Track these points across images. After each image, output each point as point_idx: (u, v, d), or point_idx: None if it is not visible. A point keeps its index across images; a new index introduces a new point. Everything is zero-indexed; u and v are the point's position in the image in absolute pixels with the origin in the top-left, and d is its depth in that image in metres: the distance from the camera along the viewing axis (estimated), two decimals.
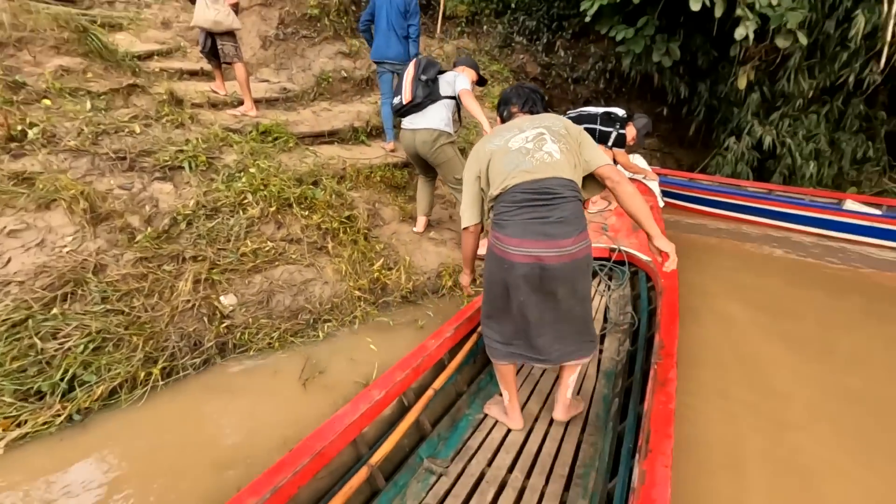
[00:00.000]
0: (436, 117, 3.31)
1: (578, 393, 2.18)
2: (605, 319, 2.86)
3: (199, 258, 2.72)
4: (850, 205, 4.86)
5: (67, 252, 2.47)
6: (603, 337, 2.63)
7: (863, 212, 4.71)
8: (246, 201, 3.10)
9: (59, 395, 2.08)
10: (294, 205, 3.25)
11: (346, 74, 5.93)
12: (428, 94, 3.28)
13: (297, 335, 2.71)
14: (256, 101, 4.85)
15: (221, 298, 2.65)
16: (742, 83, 5.66)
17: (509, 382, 1.92)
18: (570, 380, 1.89)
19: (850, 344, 2.96)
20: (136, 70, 4.30)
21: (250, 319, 2.64)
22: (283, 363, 2.53)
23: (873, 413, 2.32)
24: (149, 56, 5.01)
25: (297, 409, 2.21)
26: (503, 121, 1.99)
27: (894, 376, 2.61)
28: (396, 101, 3.39)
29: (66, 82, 3.55)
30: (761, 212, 5.29)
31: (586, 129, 3.62)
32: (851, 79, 5.47)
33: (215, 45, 4.21)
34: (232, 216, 3.03)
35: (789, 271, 4.14)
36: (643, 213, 1.72)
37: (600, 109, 4.11)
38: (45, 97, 3.36)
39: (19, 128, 2.90)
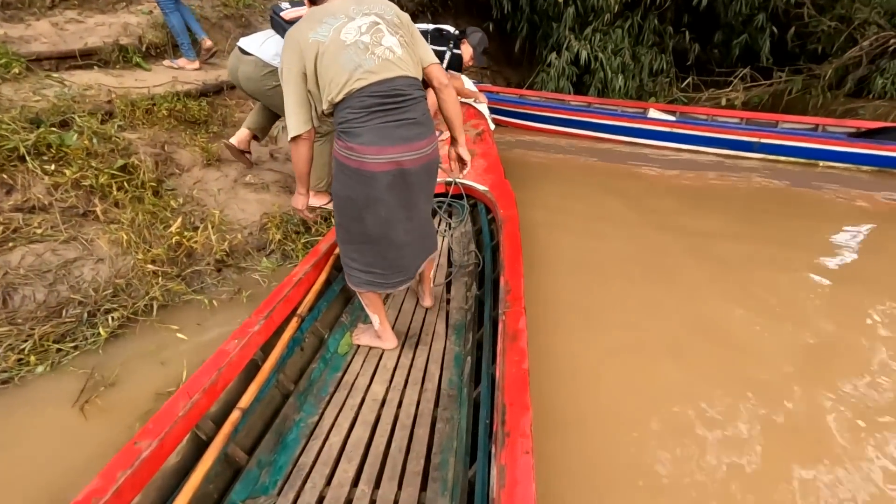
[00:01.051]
0: (272, 49, 2.59)
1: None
2: (450, 263, 2.65)
3: None
4: (653, 113, 5.37)
5: None
6: (449, 285, 2.42)
7: (662, 118, 5.25)
8: None
9: None
10: (29, 157, 2.29)
11: None
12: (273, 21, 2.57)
13: (66, 339, 1.98)
14: None
15: None
16: None
17: (378, 306, 1.89)
18: (430, 273, 2.13)
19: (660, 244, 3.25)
20: None
21: None
22: (48, 385, 1.83)
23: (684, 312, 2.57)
24: None
25: (70, 447, 1.60)
26: (315, 2, 1.66)
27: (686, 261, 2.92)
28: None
29: None
30: (583, 124, 5.59)
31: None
32: None
33: None
34: None
35: (610, 178, 4.46)
36: (458, 120, 1.76)
37: (429, 26, 3.67)
38: None
39: None
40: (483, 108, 4.11)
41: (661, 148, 5.26)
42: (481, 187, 2.95)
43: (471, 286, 2.35)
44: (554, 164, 4.93)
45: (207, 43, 4.20)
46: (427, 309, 2.21)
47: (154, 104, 3.25)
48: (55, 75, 3.21)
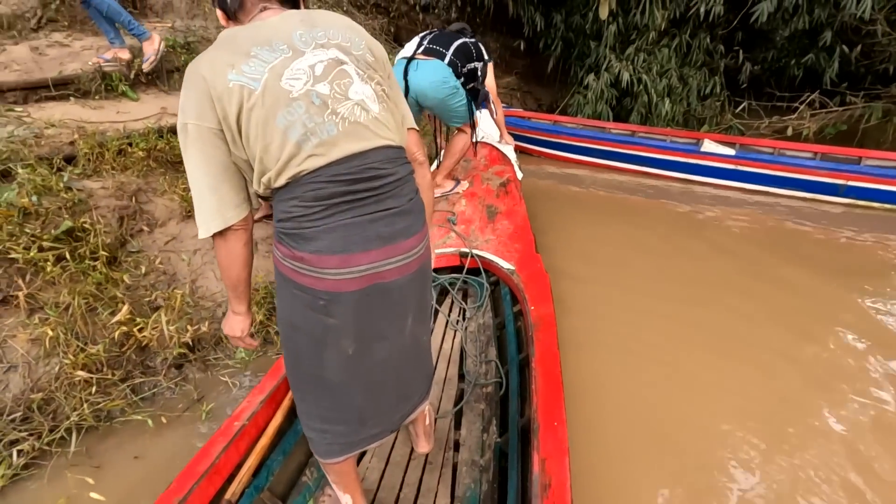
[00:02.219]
0: None
1: None
2: (462, 374, 2.01)
3: None
4: (708, 146, 4.68)
5: None
6: (459, 415, 1.77)
7: (719, 152, 4.56)
8: None
9: None
10: None
11: None
12: None
13: None
14: None
15: None
16: (604, 12, 5.08)
17: (351, 481, 1.25)
18: (425, 418, 1.52)
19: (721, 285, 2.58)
20: None
21: None
22: None
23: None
24: None
25: None
26: (234, 16, 1.04)
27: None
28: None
29: None
30: (626, 157, 4.94)
31: (467, 72, 2.66)
32: (703, 9, 5.21)
33: None
34: None
35: (659, 219, 3.78)
36: (430, 209, 1.26)
37: (467, 39, 3.12)
38: None
39: None
40: (510, 151, 3.47)
41: (719, 186, 4.56)
42: (505, 265, 2.34)
43: (489, 423, 1.71)
44: (591, 201, 4.30)
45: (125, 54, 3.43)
46: (425, 455, 1.60)
47: (130, 143, 2.75)
48: (18, 109, 2.76)
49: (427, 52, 2.60)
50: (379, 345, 1.05)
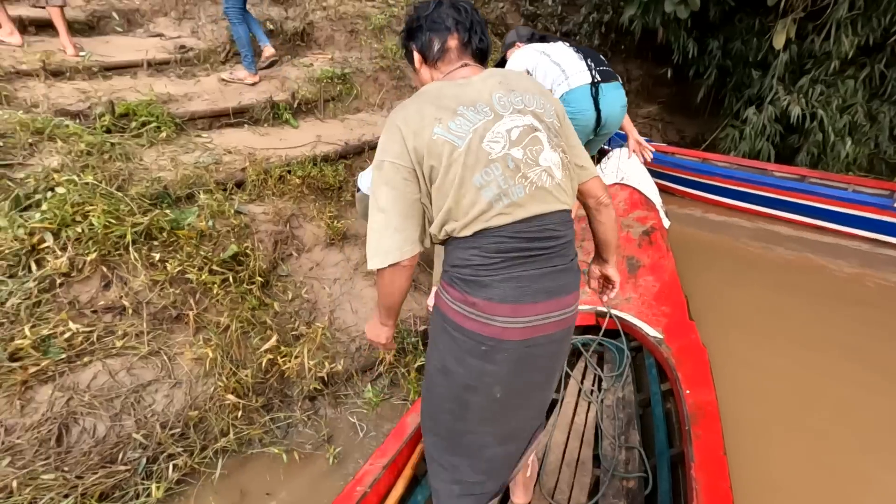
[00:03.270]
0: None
1: None
2: (597, 457, 1.73)
3: None
4: None
5: None
6: None
7: None
8: (44, 246, 1.88)
9: None
10: (134, 246, 2.03)
11: (272, 27, 4.53)
12: None
13: (113, 495, 1.58)
14: (133, 66, 3.51)
15: None
16: (779, 42, 4.49)
17: None
18: (529, 462, 1.39)
19: None
20: None
21: (22, 479, 1.49)
22: None
23: None
24: None
25: None
26: (434, 64, 1.15)
27: None
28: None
29: None
30: (794, 206, 4.26)
31: None
32: None
33: None
34: (13, 276, 1.81)
35: (838, 287, 3.14)
36: (615, 243, 1.34)
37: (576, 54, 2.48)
38: None
39: None
40: (655, 196, 3.10)
41: None
42: (651, 331, 2.06)
43: None
44: (749, 257, 3.74)
45: (269, 51, 3.94)
46: None
47: (290, 170, 2.97)
48: (204, 136, 3.12)
49: (605, 76, 2.35)
50: (523, 397, 1.11)
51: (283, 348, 2.04)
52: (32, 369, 1.63)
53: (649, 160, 3.02)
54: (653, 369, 2.03)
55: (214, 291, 2.08)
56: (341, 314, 2.34)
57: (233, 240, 2.32)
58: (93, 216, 1.96)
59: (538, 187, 1.01)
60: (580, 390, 2.02)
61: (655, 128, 6.90)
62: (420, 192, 1.02)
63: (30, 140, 2.32)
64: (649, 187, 3.12)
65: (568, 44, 2.37)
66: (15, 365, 1.62)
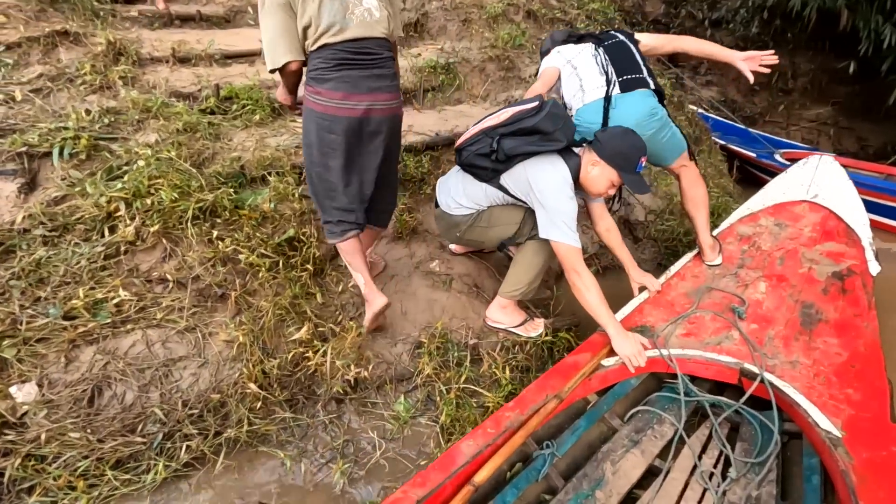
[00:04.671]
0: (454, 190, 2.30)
1: None
2: None
3: None
4: None
5: None
6: None
7: None
8: (118, 214, 1.99)
9: None
10: (196, 221, 2.08)
11: None
12: None
13: (125, 465, 1.59)
14: (251, 54, 3.73)
15: (12, 389, 1.60)
16: None
17: (359, 261, 1.95)
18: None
19: None
20: (95, 13, 3.36)
21: (52, 432, 1.56)
22: None
23: None
24: None
25: None
26: None
27: None
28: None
29: None
30: None
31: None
32: None
33: None
34: (87, 239, 1.94)
35: None
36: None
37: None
38: None
39: None
40: (860, 221, 2.28)
41: None
42: (823, 420, 1.44)
43: None
44: None
45: None
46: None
47: None
48: (300, 120, 3.18)
49: (628, 85, 2.05)
50: (362, 159, 1.85)
51: (316, 342, 1.92)
52: (81, 329, 1.72)
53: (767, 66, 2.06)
54: (814, 476, 1.42)
55: (261, 274, 2.04)
56: (389, 313, 2.16)
57: (294, 224, 2.27)
58: (162, 190, 2.04)
59: (361, 20, 1.68)
60: (695, 467, 1.51)
61: (825, 134, 5.66)
62: (293, 19, 1.66)
63: (138, 117, 2.52)
64: (854, 212, 2.32)
65: (598, 47, 2.18)
66: (67, 323, 1.72)
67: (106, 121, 2.42)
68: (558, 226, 1.81)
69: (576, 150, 1.96)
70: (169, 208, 2.04)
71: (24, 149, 2.11)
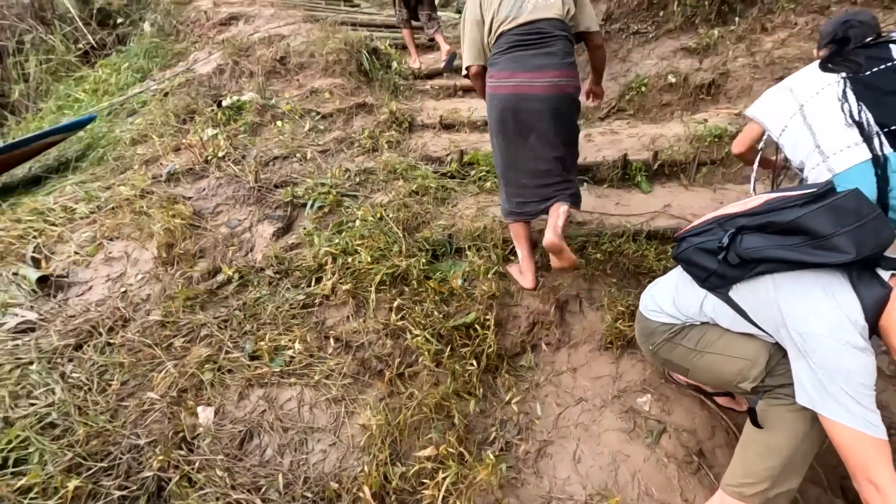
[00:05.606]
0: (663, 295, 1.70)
1: None
2: None
3: (211, 341, 1.96)
4: None
5: (123, 292, 2.19)
6: None
7: None
8: (326, 268, 2.13)
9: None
10: (383, 286, 2.04)
11: (673, 80, 3.97)
12: None
13: None
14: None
15: (199, 410, 1.81)
16: None
17: (521, 239, 2.12)
18: (560, 212, 1.93)
19: None
20: (396, 88, 3.98)
21: (206, 460, 1.69)
22: None
23: None
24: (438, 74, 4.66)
25: None
26: None
27: None
28: None
29: (305, 103, 3.50)
30: None
31: None
32: None
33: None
34: (297, 286, 2.12)
35: None
36: (602, 69, 2.29)
37: None
38: (280, 119, 3.37)
39: (210, 151, 2.90)
40: None
41: None
42: None
43: None
44: None
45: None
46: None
47: (598, 241, 2.41)
48: None
49: None
50: (525, 138, 1.92)
51: (450, 463, 1.57)
52: (258, 371, 1.84)
53: None
54: None
55: (422, 360, 1.83)
56: (555, 453, 1.63)
57: (478, 308, 2.01)
58: (363, 250, 2.09)
59: (534, 6, 1.85)
60: None
61: None
62: (480, 33, 1.97)
63: (384, 178, 2.75)
64: None
65: (846, 79, 1.49)
66: (251, 362, 1.87)
67: (357, 179, 2.71)
68: (836, 397, 1.02)
69: (883, 272, 1.09)
70: (365, 269, 2.07)
71: (290, 199, 2.53)
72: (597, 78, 2.26)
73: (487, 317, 1.98)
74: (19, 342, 2.04)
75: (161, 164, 2.98)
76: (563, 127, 1.92)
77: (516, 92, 1.83)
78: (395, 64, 4.16)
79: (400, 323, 1.91)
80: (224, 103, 3.50)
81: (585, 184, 3.07)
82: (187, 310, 2.05)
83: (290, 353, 1.88)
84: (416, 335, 1.87)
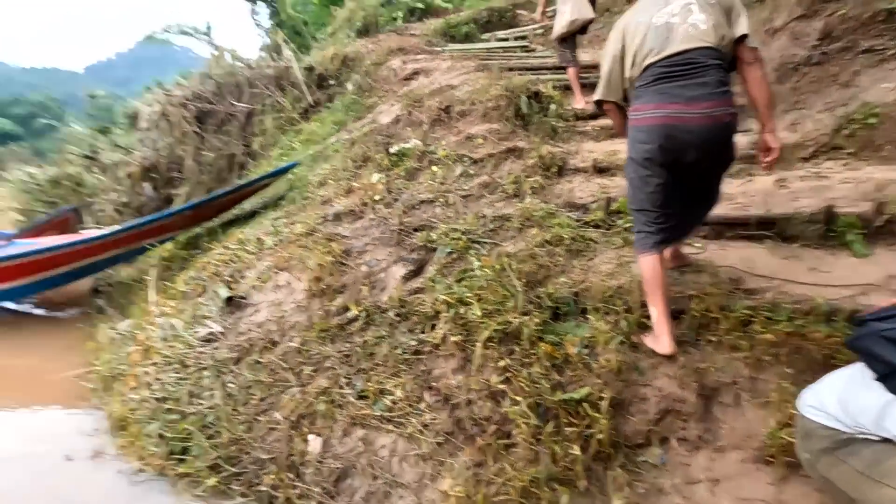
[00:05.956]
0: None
1: None
2: None
3: (331, 374, 2.10)
4: None
5: (279, 318, 2.53)
6: None
7: None
8: (442, 315, 2.12)
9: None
10: (491, 342, 1.93)
11: None
12: None
13: None
14: None
15: (310, 437, 1.95)
16: None
17: (656, 288, 1.83)
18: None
19: None
20: (553, 130, 3.90)
21: (307, 489, 1.79)
22: None
23: None
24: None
25: None
26: None
27: None
28: None
29: (460, 148, 3.67)
30: None
31: None
32: None
33: None
34: (412, 331, 2.15)
35: None
36: (762, 103, 1.80)
37: None
38: (436, 164, 3.60)
39: (368, 194, 3.23)
40: None
41: None
42: None
43: None
44: None
45: None
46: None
47: (770, 316, 1.91)
48: (697, 245, 2.52)
49: None
50: (676, 167, 1.78)
51: None
52: (362, 412, 1.90)
53: None
54: None
55: (518, 433, 1.65)
56: None
57: (596, 384, 1.75)
58: (475, 302, 2.02)
59: (685, 35, 1.70)
60: None
61: None
62: (619, 67, 1.89)
63: (519, 225, 2.67)
64: None
65: None
66: (358, 402, 1.95)
67: (491, 226, 2.68)
68: None
69: None
70: (476, 322, 2.00)
71: (425, 243, 2.62)
72: (764, 118, 1.81)
73: (603, 394, 1.70)
74: (203, 350, 2.50)
75: (331, 204, 3.41)
76: (717, 160, 1.82)
77: (665, 123, 1.72)
78: (553, 106, 4.07)
79: (501, 386, 1.77)
80: (391, 150, 3.87)
81: (767, 241, 2.49)
82: (319, 341, 2.26)
83: (391, 398, 1.90)
84: (515, 403, 1.71)
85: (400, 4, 10.92)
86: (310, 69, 6.75)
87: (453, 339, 1.98)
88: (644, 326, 1.97)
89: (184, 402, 2.28)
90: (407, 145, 3.85)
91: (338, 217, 3.19)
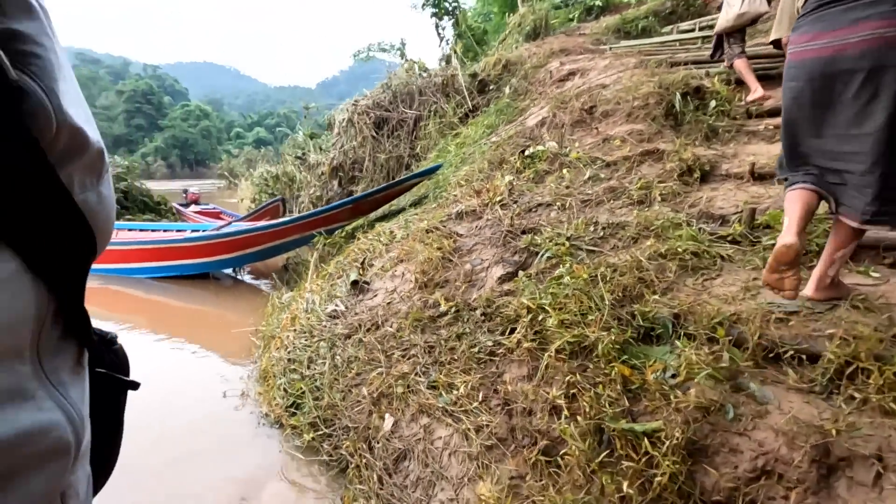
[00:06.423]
0: None
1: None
2: None
3: (412, 360, 2.22)
4: None
5: (388, 304, 2.76)
6: None
7: None
8: (521, 321, 2.06)
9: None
10: (563, 354, 1.80)
11: None
12: None
13: None
14: None
15: (386, 416, 2.10)
16: None
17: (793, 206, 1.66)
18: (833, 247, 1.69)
19: None
20: (713, 131, 3.41)
21: (372, 462, 1.95)
22: None
23: None
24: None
25: None
26: None
27: None
28: None
29: (594, 151, 3.49)
30: None
31: None
32: None
33: None
34: (493, 332, 2.13)
35: None
36: None
37: None
38: (567, 167, 3.49)
39: (490, 196, 3.29)
40: None
41: None
42: None
43: None
44: None
45: None
46: None
47: None
48: (874, 274, 1.95)
49: None
50: (832, 108, 1.55)
51: None
52: (428, 401, 1.98)
53: None
54: None
55: (567, 454, 1.53)
56: None
57: (674, 416, 1.52)
58: (553, 311, 1.92)
59: None
60: None
61: None
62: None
63: (634, 234, 2.42)
64: None
65: None
66: (427, 392, 2.02)
67: (601, 233, 2.49)
68: None
69: None
70: (552, 331, 1.90)
71: (528, 245, 2.56)
72: None
73: (678, 434, 1.46)
74: (327, 323, 2.87)
75: (458, 203, 3.56)
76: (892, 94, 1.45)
77: (819, 55, 1.54)
78: (713, 103, 3.53)
79: (560, 402, 1.66)
80: (526, 153, 3.85)
81: None
82: (411, 329, 2.40)
83: (457, 393, 1.93)
84: (574, 422, 1.58)
85: (577, 5, 10.64)
86: (473, 76, 7.07)
87: (526, 345, 1.91)
88: (760, 366, 1.62)
89: (304, 365, 2.67)
90: (541, 147, 3.79)
91: (459, 216, 3.31)
